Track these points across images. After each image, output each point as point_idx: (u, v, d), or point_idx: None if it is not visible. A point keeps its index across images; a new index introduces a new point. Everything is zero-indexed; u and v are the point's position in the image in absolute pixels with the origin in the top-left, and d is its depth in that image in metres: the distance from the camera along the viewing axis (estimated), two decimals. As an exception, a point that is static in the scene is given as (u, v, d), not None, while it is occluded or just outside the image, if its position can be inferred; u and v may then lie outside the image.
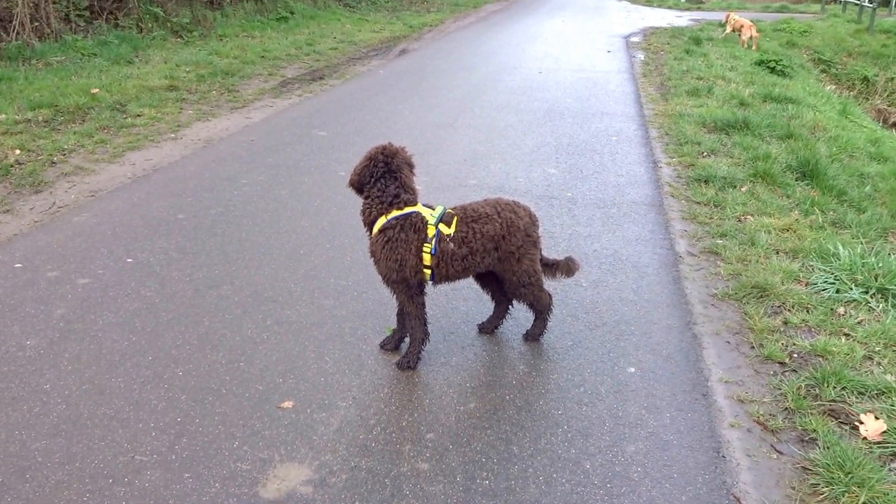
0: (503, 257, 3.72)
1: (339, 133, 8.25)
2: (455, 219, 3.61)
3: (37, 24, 11.06)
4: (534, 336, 4.09)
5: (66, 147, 7.18)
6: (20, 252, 5.01)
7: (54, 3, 11.49)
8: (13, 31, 10.66)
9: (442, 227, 3.57)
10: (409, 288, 3.63)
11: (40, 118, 7.95)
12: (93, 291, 4.47)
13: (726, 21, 18.06)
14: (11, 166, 6.54)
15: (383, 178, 3.56)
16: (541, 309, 4.01)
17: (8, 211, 5.73)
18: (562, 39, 17.75)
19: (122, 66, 10.78)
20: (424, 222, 3.55)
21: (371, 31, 17.60)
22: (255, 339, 4.00)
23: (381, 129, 8.45)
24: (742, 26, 17.22)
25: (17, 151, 6.89)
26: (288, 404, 3.45)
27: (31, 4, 10.88)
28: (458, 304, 4.46)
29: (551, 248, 5.31)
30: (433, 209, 3.63)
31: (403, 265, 3.52)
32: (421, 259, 3.55)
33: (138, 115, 8.45)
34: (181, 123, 8.37)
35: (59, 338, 3.96)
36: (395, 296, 3.76)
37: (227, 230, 5.45)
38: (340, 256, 5.05)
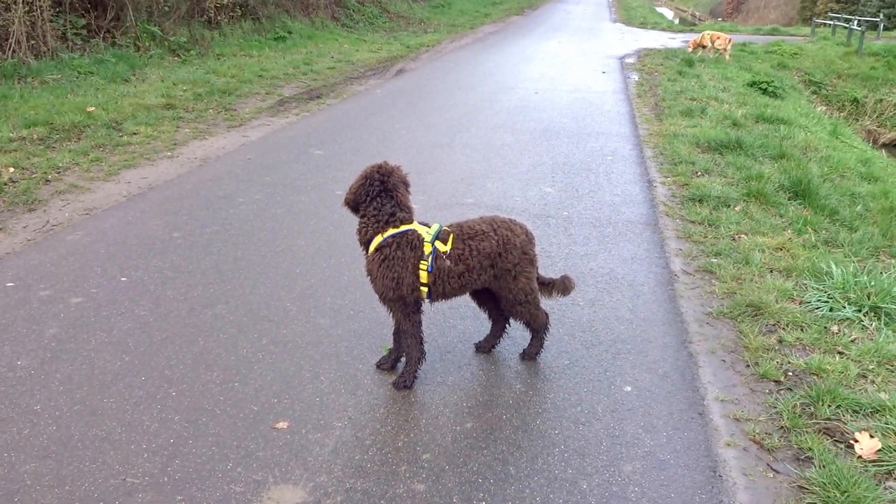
0: (499, 275, 3.71)
1: (336, 152, 8.26)
2: (451, 236, 3.61)
3: (33, 42, 11.09)
4: (531, 355, 4.07)
5: (60, 165, 7.17)
6: (12, 271, 4.98)
7: (51, 21, 11.52)
8: (9, 48, 10.67)
9: (438, 244, 3.57)
10: (405, 306, 3.62)
11: (35, 136, 7.95)
12: (86, 311, 4.45)
13: (700, 41, 18.31)
14: (5, 184, 6.51)
15: (379, 196, 3.56)
16: (537, 327, 4.00)
17: (0, 229, 5.70)
18: (557, 60, 17.88)
19: (118, 85, 10.80)
20: (421, 240, 3.55)
21: (368, 51, 17.71)
22: (251, 359, 3.98)
23: (379, 148, 8.48)
24: (719, 38, 17.69)
25: (11, 169, 6.88)
26: (283, 425, 3.42)
27: (27, 22, 10.91)
28: (455, 322, 4.45)
29: (548, 267, 5.31)
30: (429, 227, 3.62)
31: (400, 283, 3.51)
32: (417, 277, 3.54)
33: (134, 134, 8.46)
34: (177, 142, 8.38)
35: (51, 358, 3.93)
36: (391, 314, 3.74)
37: (223, 249, 5.43)
38: (337, 275, 5.03)
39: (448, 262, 3.56)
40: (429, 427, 3.45)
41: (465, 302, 4.64)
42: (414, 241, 3.54)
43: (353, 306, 4.61)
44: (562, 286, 4.03)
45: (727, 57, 17.72)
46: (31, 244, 5.46)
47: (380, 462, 3.18)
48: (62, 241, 5.50)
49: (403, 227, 3.54)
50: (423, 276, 3.54)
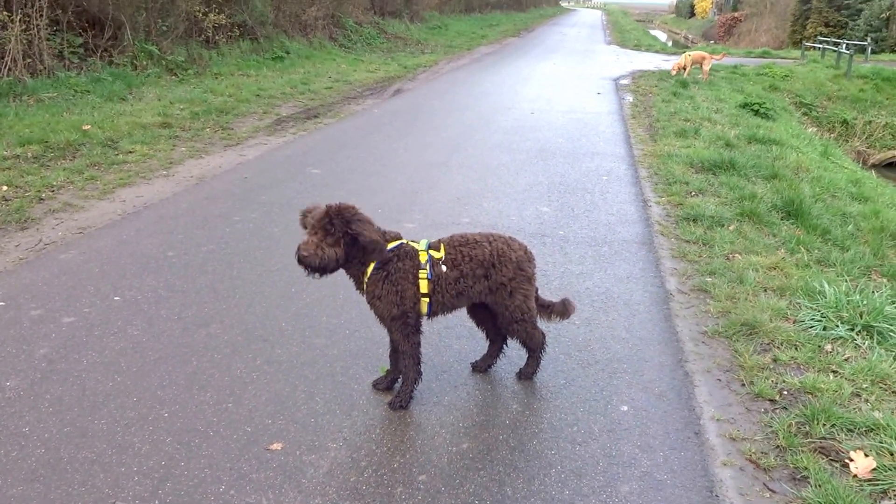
0: (494, 288, 3.69)
1: (333, 171, 8.27)
2: (443, 244, 3.64)
3: (29, 60, 11.10)
4: (527, 375, 4.06)
5: (54, 183, 7.16)
6: (3, 290, 4.94)
7: (48, 39, 11.55)
8: (5, 67, 10.69)
9: (432, 251, 3.59)
10: (406, 325, 3.58)
11: (29, 154, 7.93)
12: (77, 330, 4.41)
13: (683, 64, 18.59)
14: (-2, 202, 6.50)
15: (344, 236, 3.39)
16: (534, 347, 3.98)
17: (-7, 248, 5.68)
18: (553, 81, 17.98)
19: (115, 103, 10.82)
20: (416, 251, 3.57)
21: (366, 71, 17.80)
22: (245, 379, 3.95)
23: (375, 168, 8.49)
24: (703, 58, 18.12)
25: (5, 188, 6.87)
26: (277, 446, 3.39)
27: (24, 41, 10.94)
28: (451, 342, 4.43)
29: (544, 286, 5.30)
30: (417, 242, 3.64)
31: (404, 296, 3.50)
32: (418, 287, 3.53)
33: (130, 152, 8.46)
34: (174, 160, 8.38)
35: (41, 378, 3.89)
36: (391, 335, 3.72)
37: (219, 268, 5.41)
38: (333, 295, 5.01)
39: (444, 268, 3.56)
40: (425, 448, 3.42)
41: (461, 321, 4.63)
42: (410, 252, 3.55)
43: (349, 326, 4.59)
44: (561, 309, 4.01)
45: (705, 76, 18.17)
46: (24, 263, 5.43)
47: (375, 484, 3.15)
48: (55, 260, 5.47)
49: (396, 242, 3.55)
50: (424, 286, 3.53)
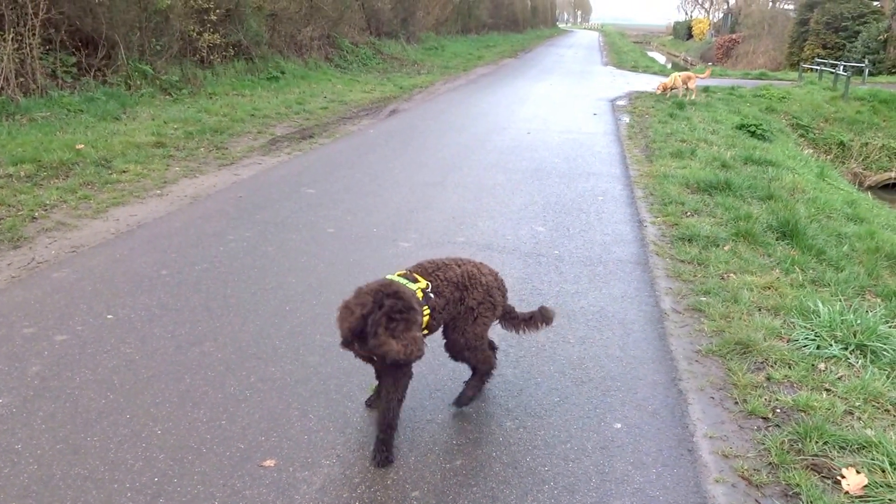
0: (463, 313, 3.61)
1: (327, 191, 8.30)
2: (417, 274, 3.52)
3: (22, 79, 11.13)
4: (466, 399, 3.88)
5: (48, 202, 7.15)
6: (-3, 309, 4.94)
7: (41, 59, 11.59)
8: (-3, 86, 10.73)
9: (415, 284, 3.45)
10: (409, 373, 3.40)
11: (22, 173, 7.92)
12: (70, 348, 4.40)
13: (672, 84, 18.90)
14: (-10, 222, 6.48)
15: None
16: (489, 367, 3.88)
17: (-14, 266, 5.67)
18: (549, 102, 18.10)
19: (108, 123, 10.84)
20: (413, 292, 3.30)
21: (362, 91, 17.89)
22: (238, 397, 3.94)
23: (371, 187, 8.52)
24: (690, 78, 18.51)
25: (-3, 207, 6.86)
26: (270, 463, 3.38)
27: (16, 60, 10.98)
28: (444, 360, 4.41)
29: (538, 305, 5.31)
30: (402, 278, 3.46)
31: (419, 342, 3.10)
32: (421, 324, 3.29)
33: (124, 171, 8.47)
34: (168, 180, 8.40)
35: (34, 396, 3.87)
36: (391, 382, 3.38)
37: (212, 286, 5.41)
38: (327, 313, 5.00)
39: (432, 296, 3.45)
40: (418, 465, 3.41)
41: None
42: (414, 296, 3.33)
43: (342, 343, 4.57)
44: (542, 317, 3.97)
45: (693, 95, 18.62)
46: (16, 281, 5.42)
47: (368, 500, 3.14)
48: (47, 279, 5.46)
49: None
50: (425, 320, 3.39)
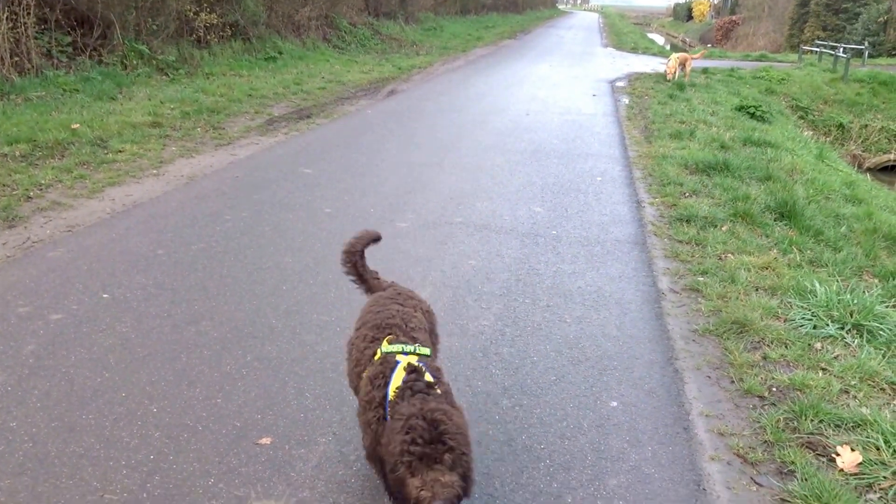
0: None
1: (325, 171, 8.26)
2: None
3: (17, 58, 11.02)
4: None
5: (43, 182, 7.11)
6: (-7, 287, 4.92)
7: (36, 38, 11.47)
8: (-8, 66, 10.64)
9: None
10: None
11: (17, 153, 7.86)
12: (65, 327, 4.39)
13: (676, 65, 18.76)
14: (-16, 201, 6.44)
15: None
16: None
17: (-19, 245, 5.64)
18: (549, 83, 18.00)
19: (104, 102, 10.76)
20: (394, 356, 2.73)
21: (360, 72, 17.77)
22: (234, 375, 3.93)
23: (368, 168, 8.48)
24: (686, 60, 18.43)
25: (-8, 186, 6.81)
26: (266, 441, 3.38)
27: (11, 39, 10.88)
28: (441, 338, 4.41)
29: (536, 285, 5.32)
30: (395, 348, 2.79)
31: None
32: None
33: (120, 151, 8.41)
34: (164, 160, 8.35)
35: (29, 374, 3.86)
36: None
37: (209, 266, 5.40)
38: (324, 292, 5.00)
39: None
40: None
41: (453, 319, 4.64)
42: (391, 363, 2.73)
43: (340, 323, 4.57)
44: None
45: (686, 77, 18.60)
46: (10, 260, 5.39)
47: (364, 477, 3.14)
48: (43, 258, 5.44)
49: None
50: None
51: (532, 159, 9.46)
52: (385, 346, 2.76)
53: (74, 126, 9.00)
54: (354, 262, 3.43)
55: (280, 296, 4.95)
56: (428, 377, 2.56)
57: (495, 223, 6.73)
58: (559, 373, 4.09)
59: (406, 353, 2.71)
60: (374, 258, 5.60)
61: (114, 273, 5.19)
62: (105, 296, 4.83)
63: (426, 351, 2.77)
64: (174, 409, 3.61)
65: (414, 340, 2.84)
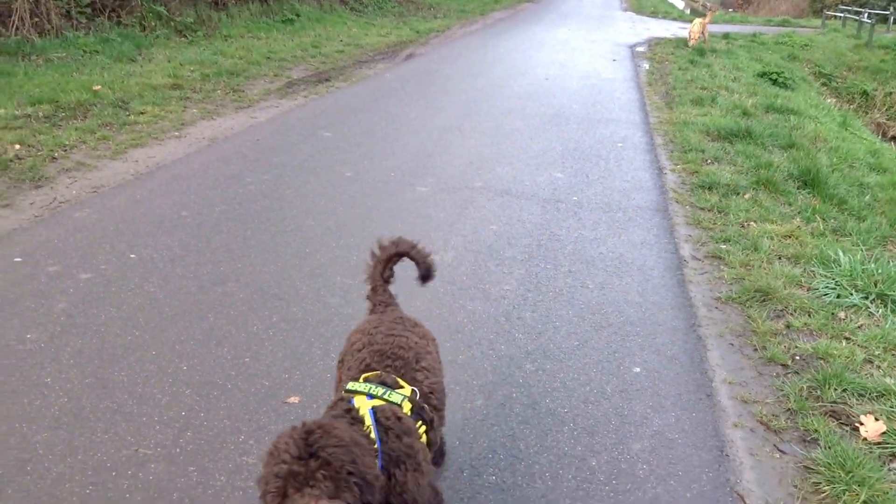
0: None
1: (344, 134, 8.25)
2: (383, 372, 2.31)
3: (37, 19, 11.02)
4: None
5: (67, 143, 7.16)
6: (20, 246, 4.98)
7: (55, -1, 11.48)
8: (12, 26, 10.63)
9: (399, 393, 2.22)
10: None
11: (40, 114, 7.92)
12: (95, 286, 4.46)
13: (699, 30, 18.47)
14: (10, 161, 6.49)
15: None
16: None
17: (7, 205, 5.70)
18: (568, 48, 17.78)
19: (124, 64, 10.77)
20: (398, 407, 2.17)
21: (378, 35, 17.63)
22: (261, 336, 3.99)
23: (387, 132, 8.47)
24: (704, 26, 18.46)
25: (17, 146, 6.86)
26: (294, 399, 3.44)
27: (30, 0, 10.86)
28: (464, 302, 4.46)
29: (557, 251, 5.33)
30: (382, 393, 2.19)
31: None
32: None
33: (141, 113, 8.44)
34: (185, 122, 8.37)
35: (61, 332, 3.94)
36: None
37: (233, 228, 5.44)
38: (346, 256, 5.04)
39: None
40: (438, 405, 3.46)
41: (476, 283, 4.67)
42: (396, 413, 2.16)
43: (363, 287, 4.59)
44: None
45: (706, 41, 18.34)
46: (39, 220, 5.46)
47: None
48: (70, 218, 5.50)
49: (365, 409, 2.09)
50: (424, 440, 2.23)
51: (552, 124, 9.39)
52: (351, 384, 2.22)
53: (96, 87, 9.02)
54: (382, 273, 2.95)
55: (303, 258, 4.99)
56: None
57: (516, 188, 6.72)
58: (582, 338, 4.12)
59: (371, 397, 2.15)
60: (395, 222, 5.66)
61: (140, 234, 5.25)
62: (132, 256, 4.89)
63: (401, 393, 2.20)
64: (203, 367, 3.67)
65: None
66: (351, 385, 2.21)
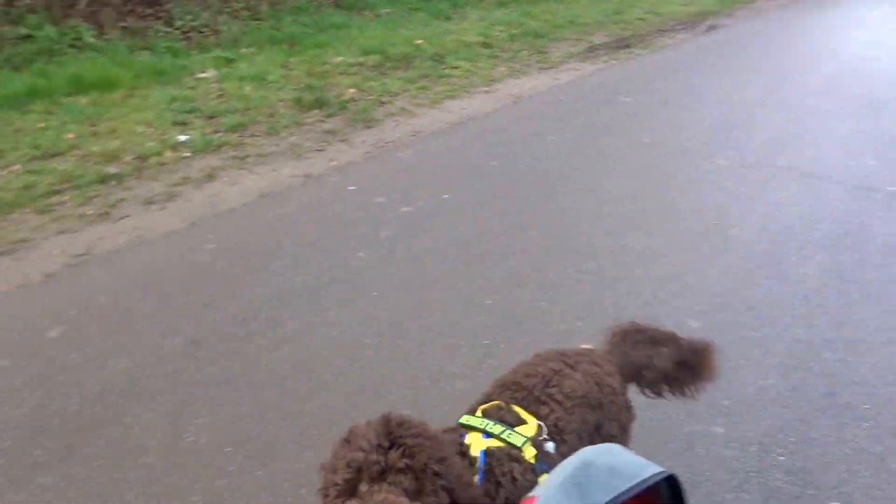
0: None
1: (643, 101, 8.24)
2: (510, 404, 1.92)
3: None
4: None
5: (392, 90, 7.97)
6: (354, 177, 5.74)
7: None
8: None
9: (524, 429, 1.85)
10: None
11: (370, 63, 8.86)
12: (413, 219, 5.01)
13: None
14: (347, 102, 7.41)
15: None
16: None
17: (344, 141, 6.54)
18: (888, 28, 15.87)
19: (441, 22, 11.59)
20: (516, 448, 1.79)
21: (679, 4, 16.99)
22: (557, 283, 4.25)
23: (686, 101, 8.30)
24: None
25: (353, 90, 7.79)
26: (585, 347, 3.65)
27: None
28: (759, 280, 4.36)
29: (867, 241, 4.95)
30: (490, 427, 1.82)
31: None
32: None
33: (455, 68, 9.09)
34: (494, 79, 8.87)
35: (386, 254, 4.53)
36: None
37: (536, 181, 5.76)
38: (643, 220, 5.11)
39: (551, 445, 1.83)
40: (729, 378, 3.45)
41: (772, 263, 4.52)
42: (509, 455, 1.77)
43: (661, 249, 4.67)
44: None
45: None
46: (369, 157, 6.21)
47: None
48: (393, 157, 6.18)
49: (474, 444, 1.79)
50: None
51: (867, 108, 8.53)
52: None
53: (418, 42, 9.86)
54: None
55: (601, 217, 5.16)
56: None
57: (822, 171, 6.29)
58: (892, 336, 3.86)
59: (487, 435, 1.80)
60: (691, 191, 5.63)
61: (453, 177, 5.77)
62: (445, 196, 5.40)
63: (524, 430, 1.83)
64: (505, 304, 4.02)
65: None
66: (465, 419, 1.86)
